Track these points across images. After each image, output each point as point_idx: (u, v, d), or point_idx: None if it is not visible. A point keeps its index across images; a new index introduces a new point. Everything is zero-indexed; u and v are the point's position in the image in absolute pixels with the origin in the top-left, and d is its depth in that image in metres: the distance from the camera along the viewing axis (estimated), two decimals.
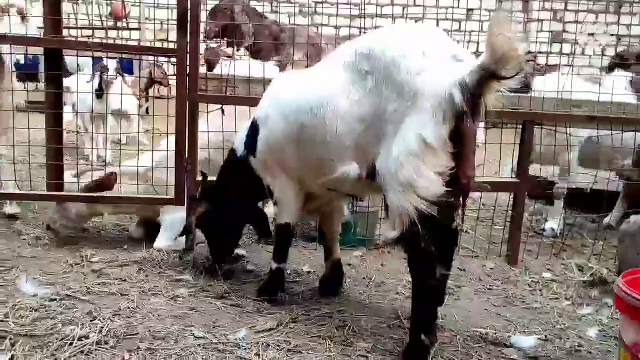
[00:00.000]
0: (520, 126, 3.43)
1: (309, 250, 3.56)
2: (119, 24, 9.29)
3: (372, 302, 2.83)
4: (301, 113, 2.42)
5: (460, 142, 2.07)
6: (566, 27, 11.52)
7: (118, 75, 4.23)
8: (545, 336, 2.51)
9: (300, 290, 2.93)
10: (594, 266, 3.43)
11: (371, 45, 2.24)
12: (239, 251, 3.34)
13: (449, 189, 2.06)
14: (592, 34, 11.59)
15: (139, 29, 8.87)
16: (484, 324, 2.63)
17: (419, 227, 2.07)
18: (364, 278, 3.16)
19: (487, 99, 2.03)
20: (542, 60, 11.61)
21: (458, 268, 3.38)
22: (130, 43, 6.23)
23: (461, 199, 2.18)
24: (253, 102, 3.36)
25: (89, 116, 5.21)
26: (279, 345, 2.27)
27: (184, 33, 3.16)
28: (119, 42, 7.05)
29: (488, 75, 1.93)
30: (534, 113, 3.36)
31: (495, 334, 2.50)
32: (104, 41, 4.68)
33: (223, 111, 3.32)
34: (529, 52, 10.81)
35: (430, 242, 2.11)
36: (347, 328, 2.46)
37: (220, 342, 2.26)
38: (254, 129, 2.71)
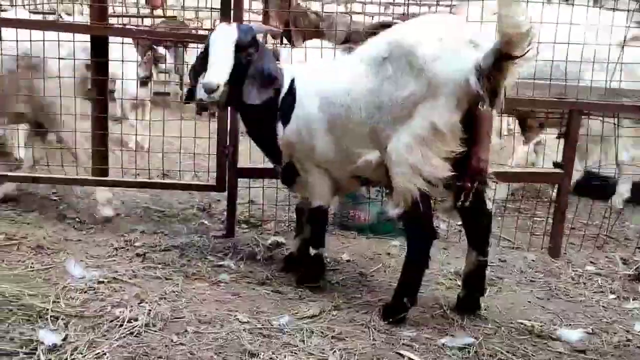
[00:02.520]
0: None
1: (348, 239, 3.55)
2: (156, 12, 9.37)
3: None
4: (332, 104, 2.47)
5: (474, 126, 2.19)
6: None
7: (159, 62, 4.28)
8: (592, 329, 2.47)
9: (340, 278, 2.94)
10: (639, 259, 3.35)
11: (390, 36, 2.31)
12: (278, 238, 3.37)
13: (455, 173, 2.21)
14: None
15: (174, 17, 8.94)
16: (528, 316, 2.60)
17: (420, 206, 2.24)
18: None
19: (504, 81, 2.06)
20: None
21: (498, 259, 3.34)
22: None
23: (472, 181, 2.27)
24: None
25: (131, 103, 5.28)
26: (322, 332, 2.28)
27: (227, 20, 3.17)
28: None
29: (501, 57, 1.98)
30: (581, 102, 3.27)
31: (541, 326, 2.47)
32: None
33: None
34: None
35: (429, 221, 2.33)
36: None
37: (264, 327, 2.29)
38: (292, 94, 2.63)
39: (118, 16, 8.24)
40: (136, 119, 5.00)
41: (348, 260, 3.20)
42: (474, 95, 2.08)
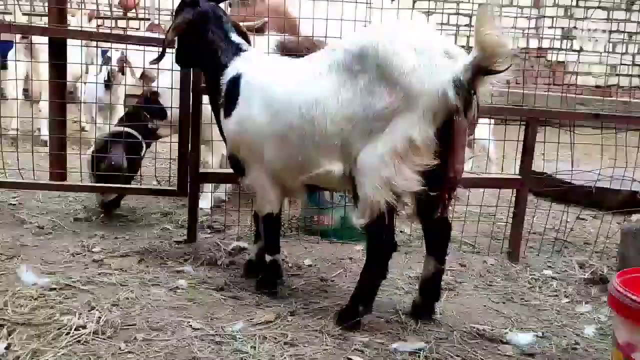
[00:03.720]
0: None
1: (311, 244, 3.56)
2: (128, 14, 9.29)
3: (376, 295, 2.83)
4: (290, 113, 2.39)
5: (450, 138, 2.16)
6: (577, 24, 11.41)
7: (123, 66, 4.22)
8: (542, 333, 2.50)
9: (301, 283, 2.94)
10: (595, 264, 3.42)
11: (362, 44, 2.23)
12: (240, 243, 3.36)
13: (425, 187, 2.20)
14: (603, 30, 11.46)
15: (148, 19, 8.87)
16: (482, 320, 2.63)
17: (386, 219, 2.24)
18: None
19: (480, 93, 2.12)
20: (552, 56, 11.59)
21: (459, 264, 3.38)
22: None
23: (450, 192, 2.28)
24: None
25: (96, 107, 5.23)
26: (275, 338, 2.28)
27: None
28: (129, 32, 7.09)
29: (480, 71, 2.01)
30: (538, 110, 3.33)
31: (492, 330, 2.50)
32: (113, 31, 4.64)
33: None
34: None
35: (392, 233, 2.34)
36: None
37: (217, 334, 2.27)
38: (236, 87, 2.59)
39: (102, 18, 8.13)
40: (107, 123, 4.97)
41: (310, 265, 3.21)
42: (451, 108, 2.08)
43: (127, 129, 3.47)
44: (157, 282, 2.75)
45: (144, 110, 3.61)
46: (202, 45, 2.71)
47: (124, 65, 4.06)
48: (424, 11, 10.86)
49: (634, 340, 1.67)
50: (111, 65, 4.43)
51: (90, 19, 6.19)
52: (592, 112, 3.34)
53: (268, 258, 2.75)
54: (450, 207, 2.48)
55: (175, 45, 2.79)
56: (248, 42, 2.85)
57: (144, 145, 3.59)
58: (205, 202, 3.96)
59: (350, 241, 3.56)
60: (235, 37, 2.73)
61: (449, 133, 2.17)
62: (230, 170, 2.97)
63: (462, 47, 2.26)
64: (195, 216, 3.35)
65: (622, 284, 1.78)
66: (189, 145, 3.25)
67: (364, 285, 2.43)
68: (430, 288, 2.57)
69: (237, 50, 2.69)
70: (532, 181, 3.44)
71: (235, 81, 2.61)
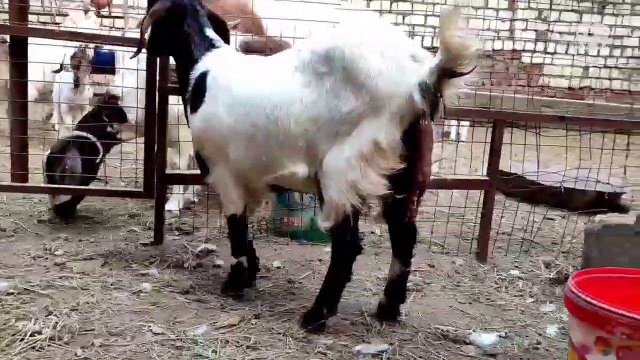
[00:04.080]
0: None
1: (280, 245, 3.54)
2: (102, 12, 9.18)
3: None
4: (255, 113, 2.37)
5: (416, 141, 2.17)
6: (551, 27, 11.59)
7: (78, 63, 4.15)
8: (506, 333, 2.52)
9: (268, 285, 2.92)
10: (561, 263, 3.46)
11: (328, 46, 2.21)
12: (208, 246, 3.33)
13: (391, 191, 2.19)
14: (576, 34, 11.65)
15: (122, 17, 8.76)
16: (447, 320, 2.64)
17: (351, 221, 2.24)
18: None
19: (446, 96, 2.10)
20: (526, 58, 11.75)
21: (428, 264, 3.40)
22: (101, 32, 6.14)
23: (417, 195, 2.29)
24: None
25: (66, 106, 5.17)
26: (237, 342, 2.25)
27: None
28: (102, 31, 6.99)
29: (445, 74, 2.00)
30: (505, 112, 3.36)
31: (456, 330, 2.51)
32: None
33: None
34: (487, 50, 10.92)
35: (356, 236, 2.33)
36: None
37: (178, 339, 2.24)
38: (203, 84, 2.56)
39: (61, 15, 8.02)
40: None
41: (278, 267, 3.19)
42: (417, 111, 2.08)
43: (82, 133, 3.43)
44: (120, 286, 2.71)
45: (104, 113, 3.56)
46: (176, 37, 2.69)
47: (80, 61, 3.99)
48: (400, 13, 10.98)
49: (587, 342, 1.69)
50: (69, 64, 4.35)
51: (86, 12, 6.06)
52: (558, 114, 3.37)
53: (233, 260, 2.73)
54: (418, 211, 2.44)
55: (149, 33, 2.74)
56: (228, 39, 2.83)
57: (101, 149, 3.54)
58: (173, 204, 3.92)
59: (320, 243, 3.55)
60: (209, 32, 2.70)
61: (416, 136, 2.17)
62: (198, 172, 2.94)
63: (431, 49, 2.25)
64: (162, 218, 3.31)
65: (577, 285, 1.79)
66: (155, 146, 3.20)
67: (329, 287, 2.42)
68: (395, 290, 2.57)
69: (210, 45, 2.67)
70: (499, 182, 3.46)
71: (204, 77, 2.58)
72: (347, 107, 2.15)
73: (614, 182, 4.12)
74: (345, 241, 2.31)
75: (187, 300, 2.64)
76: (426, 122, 2.14)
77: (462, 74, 1.99)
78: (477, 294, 3.01)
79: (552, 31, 11.55)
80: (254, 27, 3.67)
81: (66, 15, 7.89)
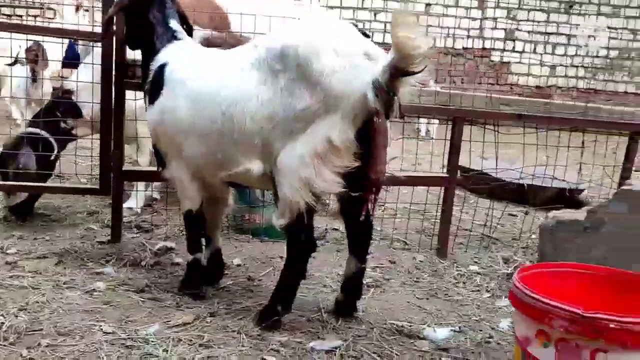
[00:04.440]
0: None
1: (242, 243, 3.53)
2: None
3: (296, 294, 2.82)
4: (210, 108, 2.36)
5: (370, 140, 2.17)
6: (520, 26, 11.77)
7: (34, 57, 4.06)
8: (460, 327, 2.55)
9: (227, 283, 2.90)
10: (519, 259, 3.53)
11: (283, 43, 2.21)
12: (167, 243, 3.29)
13: (346, 189, 2.19)
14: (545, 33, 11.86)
15: (52, 9, 8.55)
16: (403, 316, 2.66)
17: (305, 219, 2.23)
18: None
19: (401, 95, 2.10)
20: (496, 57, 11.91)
21: (389, 260, 3.42)
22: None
23: (373, 193, 2.28)
24: None
25: (24, 102, 5.06)
26: (190, 340, 2.23)
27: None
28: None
29: (398, 72, 2.00)
30: (464, 110, 3.40)
31: (411, 326, 2.53)
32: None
33: None
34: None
35: (311, 233, 2.33)
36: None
37: (129, 338, 2.21)
38: (161, 77, 2.55)
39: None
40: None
41: (239, 265, 3.18)
42: (371, 109, 2.08)
43: (35, 129, 3.36)
44: (73, 285, 2.66)
45: (58, 109, 3.49)
46: (141, 26, 2.68)
47: (37, 55, 3.91)
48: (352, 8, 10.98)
49: (529, 335, 1.72)
50: (24, 58, 4.26)
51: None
52: (516, 112, 3.42)
53: (189, 257, 2.70)
54: (375, 208, 2.44)
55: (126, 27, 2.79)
56: (190, 33, 2.80)
57: (55, 146, 3.47)
58: (133, 201, 3.87)
59: (281, 239, 3.49)
60: (174, 24, 2.69)
61: (370, 135, 2.17)
62: (156, 168, 2.90)
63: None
64: (119, 215, 3.26)
65: (522, 280, 1.82)
66: (112, 142, 3.15)
67: (284, 284, 2.42)
68: (351, 286, 2.58)
69: (172, 37, 2.65)
70: (459, 179, 3.50)
71: (162, 69, 2.57)
72: (301, 105, 2.15)
73: (570, 178, 4.20)
74: (299, 239, 2.31)
75: (142, 299, 2.60)
76: (380, 121, 2.14)
77: (414, 73, 1.99)
78: (435, 290, 3.05)
79: (520, 30, 11.74)
80: (220, 21, 3.63)
81: (50, 9, 7.71)
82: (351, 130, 2.13)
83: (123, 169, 3.22)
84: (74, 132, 3.57)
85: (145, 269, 2.97)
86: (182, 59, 2.57)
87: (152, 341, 2.19)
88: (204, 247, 2.80)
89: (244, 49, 2.47)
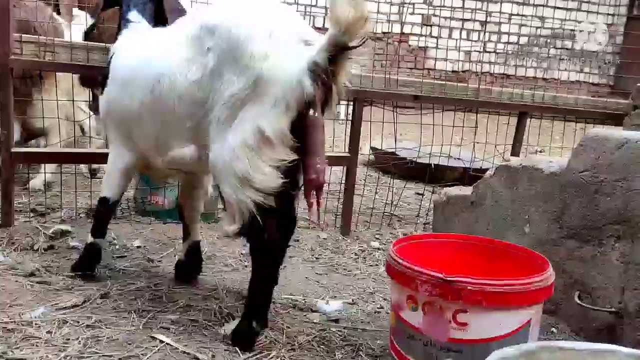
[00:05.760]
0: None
1: (143, 225, 3.47)
2: None
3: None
4: (142, 88, 2.26)
5: (306, 134, 1.99)
6: (437, 12, 12.14)
7: None
8: (352, 300, 2.66)
9: (124, 265, 2.86)
10: (418, 234, 3.69)
11: (217, 20, 2.05)
12: (63, 227, 3.19)
13: (286, 180, 1.98)
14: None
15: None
16: (299, 290, 2.73)
17: (259, 219, 1.99)
18: None
19: (340, 78, 1.90)
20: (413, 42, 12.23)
21: (293, 239, 3.46)
22: None
23: (313, 193, 2.07)
24: (75, 69, 3.20)
25: None
26: (77, 322, 2.19)
27: None
28: None
29: (338, 50, 1.82)
30: (363, 91, 3.49)
31: (305, 300, 2.60)
32: None
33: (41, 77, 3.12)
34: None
35: (275, 231, 2.06)
36: (157, 301, 2.45)
37: (11, 321, 2.14)
38: (108, 64, 2.53)
39: None
40: None
41: (138, 247, 3.13)
42: (308, 97, 1.89)
43: None
44: None
45: None
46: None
47: None
48: None
49: (401, 300, 1.83)
50: None
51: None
52: (412, 94, 3.55)
53: (89, 239, 2.64)
54: (318, 210, 2.19)
55: None
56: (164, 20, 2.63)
57: None
58: (39, 180, 3.74)
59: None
60: (132, 14, 2.60)
61: (306, 129, 1.99)
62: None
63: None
64: (9, 198, 3.11)
65: (398, 251, 1.93)
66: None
67: (254, 296, 2.14)
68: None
69: (126, 23, 2.60)
70: (357, 158, 3.61)
71: (111, 57, 2.54)
72: (229, 90, 1.97)
73: (464, 157, 4.43)
74: (260, 241, 2.05)
75: (30, 283, 2.52)
76: (316, 113, 1.96)
77: (354, 47, 1.81)
78: (336, 265, 3.14)
79: (437, 15, 12.10)
80: None
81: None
82: (284, 121, 1.93)
83: (13, 150, 3.07)
84: None
85: (38, 254, 2.87)
86: (127, 43, 2.52)
87: (36, 324, 2.14)
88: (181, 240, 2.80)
89: (184, 21, 2.34)
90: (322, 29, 2.07)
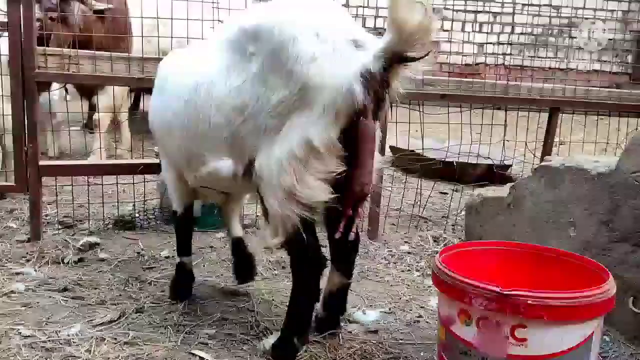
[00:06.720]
0: None
1: (169, 234, 3.43)
2: None
3: (227, 284, 2.78)
4: (176, 98, 2.19)
5: (355, 144, 1.84)
6: (448, 4, 11.98)
7: None
8: (389, 309, 2.60)
9: (155, 277, 2.83)
10: (448, 237, 3.62)
11: (258, 22, 1.91)
12: (91, 239, 3.16)
13: (337, 195, 1.86)
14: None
15: None
16: None
17: (303, 234, 1.90)
18: (223, 260, 3.11)
19: (393, 88, 1.77)
20: None
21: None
22: None
23: (355, 207, 1.98)
24: (99, 80, 3.17)
25: None
26: (115, 339, 2.16)
27: (16, 3, 2.88)
28: None
29: (395, 60, 1.67)
30: None
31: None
32: None
33: (66, 90, 3.09)
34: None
35: (317, 247, 1.98)
36: (192, 314, 2.41)
37: (49, 340, 2.12)
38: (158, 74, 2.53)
39: None
40: None
41: (167, 257, 3.10)
42: (358, 106, 1.73)
43: None
44: None
45: None
46: None
47: None
48: None
49: (452, 314, 1.76)
50: None
51: None
52: (440, 92, 3.48)
53: (177, 259, 2.62)
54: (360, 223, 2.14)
55: None
56: None
57: None
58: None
59: (211, 229, 3.49)
60: None
61: (355, 138, 1.84)
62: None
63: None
64: (38, 212, 3.10)
65: (444, 260, 1.87)
66: (26, 136, 2.98)
67: (296, 311, 2.05)
68: (334, 302, 2.29)
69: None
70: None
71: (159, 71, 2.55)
72: (275, 97, 1.83)
73: (495, 155, 4.34)
74: (303, 256, 1.97)
75: (64, 299, 2.50)
76: (367, 122, 1.81)
77: (415, 59, 1.65)
78: (366, 271, 3.08)
79: (447, 8, 11.95)
80: None
81: None
82: (334, 130, 1.79)
83: (40, 163, 3.05)
84: None
85: (68, 267, 2.85)
86: (174, 57, 2.51)
87: (74, 342, 2.11)
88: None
89: (219, 28, 2.29)
90: (373, 30, 1.95)
